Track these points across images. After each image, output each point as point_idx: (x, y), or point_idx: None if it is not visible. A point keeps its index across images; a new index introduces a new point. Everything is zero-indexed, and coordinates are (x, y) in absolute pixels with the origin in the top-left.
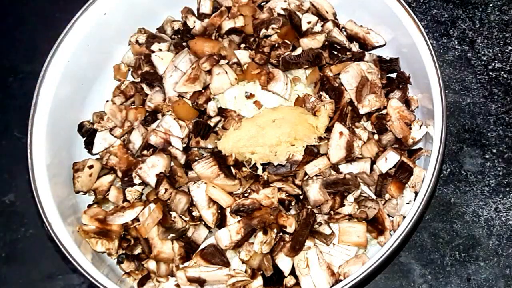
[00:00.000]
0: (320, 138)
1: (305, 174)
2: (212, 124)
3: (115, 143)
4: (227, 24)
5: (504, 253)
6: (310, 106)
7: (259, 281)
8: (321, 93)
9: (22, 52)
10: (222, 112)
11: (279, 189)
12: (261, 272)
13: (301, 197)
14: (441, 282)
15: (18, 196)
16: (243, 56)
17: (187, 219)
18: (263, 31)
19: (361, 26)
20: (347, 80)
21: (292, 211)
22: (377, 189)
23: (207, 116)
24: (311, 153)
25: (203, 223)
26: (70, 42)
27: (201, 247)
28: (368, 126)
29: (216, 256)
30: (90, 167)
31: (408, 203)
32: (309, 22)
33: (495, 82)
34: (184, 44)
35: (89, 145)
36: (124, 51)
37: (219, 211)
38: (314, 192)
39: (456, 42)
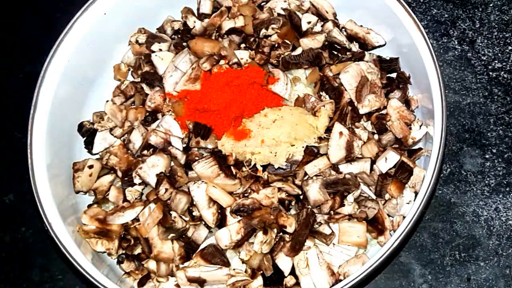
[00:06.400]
0: (320, 138)
1: (305, 174)
2: None
3: (115, 143)
4: (227, 24)
5: (504, 253)
6: (310, 106)
7: (259, 281)
8: (321, 93)
9: (22, 52)
10: None
11: (279, 189)
12: (261, 272)
13: (301, 197)
14: (441, 282)
15: (18, 196)
16: (243, 56)
17: (187, 219)
18: (263, 31)
19: (361, 26)
20: (347, 80)
21: (292, 211)
22: (377, 189)
23: None
24: (311, 153)
25: (203, 223)
26: (70, 42)
27: (201, 247)
28: (368, 126)
29: (216, 256)
30: (90, 167)
31: (408, 203)
32: (309, 22)
33: (495, 82)
34: (184, 44)
35: (89, 145)
36: (124, 51)
37: (219, 211)
38: (314, 192)
39: (456, 42)
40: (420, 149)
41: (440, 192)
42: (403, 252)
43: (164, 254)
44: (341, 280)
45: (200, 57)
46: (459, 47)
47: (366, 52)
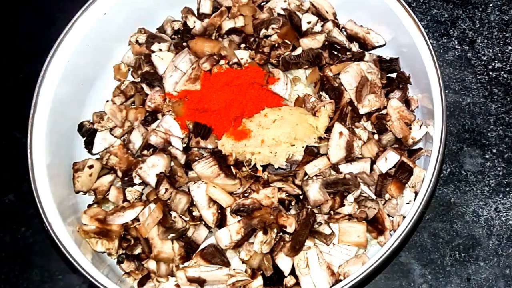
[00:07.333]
0: (320, 138)
1: (305, 174)
2: None
3: (115, 143)
4: (227, 24)
5: (504, 253)
6: (310, 106)
7: (259, 281)
8: (321, 93)
9: (22, 52)
10: None
11: (279, 189)
12: (261, 272)
13: (301, 197)
14: (441, 282)
15: (18, 196)
16: (243, 56)
17: (187, 219)
18: (263, 31)
19: (361, 26)
20: (347, 80)
21: (292, 211)
22: (377, 189)
23: None
24: (311, 153)
25: (203, 223)
26: (70, 42)
27: (201, 247)
28: (368, 126)
29: (216, 256)
30: (90, 167)
31: (408, 203)
32: (309, 22)
33: (495, 82)
34: (184, 44)
35: (89, 145)
36: (124, 51)
37: (219, 211)
38: (314, 192)
39: (456, 42)
40: (420, 149)
41: (440, 192)
42: (403, 252)
43: (164, 254)
44: (341, 280)
45: (200, 57)
46: (459, 47)
47: (366, 52)
